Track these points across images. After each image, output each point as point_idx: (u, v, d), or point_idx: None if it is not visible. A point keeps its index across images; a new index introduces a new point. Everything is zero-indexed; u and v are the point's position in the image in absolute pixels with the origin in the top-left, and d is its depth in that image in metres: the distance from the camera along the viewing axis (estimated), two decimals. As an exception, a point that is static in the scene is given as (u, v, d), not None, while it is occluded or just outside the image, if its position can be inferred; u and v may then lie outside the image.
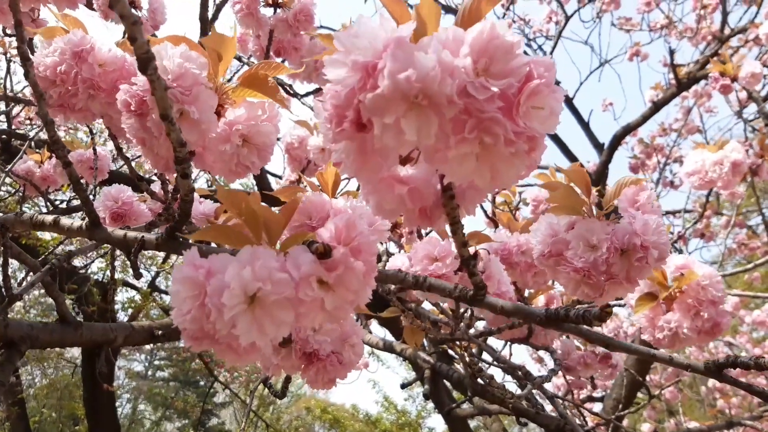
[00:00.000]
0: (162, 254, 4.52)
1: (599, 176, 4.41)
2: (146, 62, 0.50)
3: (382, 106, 0.43)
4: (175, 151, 0.59)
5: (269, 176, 2.72)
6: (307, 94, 1.68)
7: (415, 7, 0.48)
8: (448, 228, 0.54)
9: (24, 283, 0.92)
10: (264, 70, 0.68)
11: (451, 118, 0.43)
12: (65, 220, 0.78)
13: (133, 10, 1.70)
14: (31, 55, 0.72)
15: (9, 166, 1.80)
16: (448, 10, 4.57)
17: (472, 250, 1.00)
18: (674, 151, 5.25)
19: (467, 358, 1.12)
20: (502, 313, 0.59)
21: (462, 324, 1.12)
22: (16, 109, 3.00)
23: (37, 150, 2.05)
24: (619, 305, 1.56)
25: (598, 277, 0.69)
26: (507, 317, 0.62)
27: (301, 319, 0.52)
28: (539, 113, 0.45)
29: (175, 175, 0.63)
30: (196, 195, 1.37)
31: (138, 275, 0.74)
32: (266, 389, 1.22)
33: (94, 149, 1.72)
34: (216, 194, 1.35)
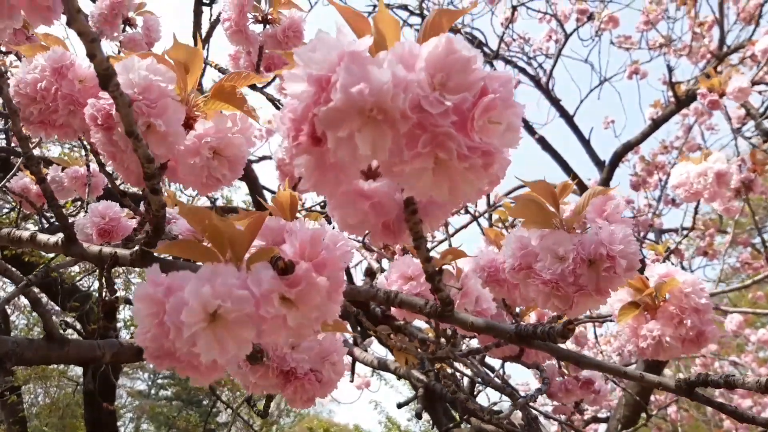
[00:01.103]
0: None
1: (600, 193, 4.39)
2: (107, 79, 0.50)
3: (335, 120, 0.42)
4: (144, 166, 0.59)
5: (266, 192, 2.73)
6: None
7: (373, 18, 0.48)
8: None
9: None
10: (232, 81, 0.68)
11: (405, 132, 0.43)
12: (42, 236, 0.78)
13: (128, 29, 1.71)
14: (9, 72, 0.73)
15: (3, 182, 1.81)
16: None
17: (460, 265, 0.99)
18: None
19: (444, 380, 1.10)
20: (473, 330, 0.59)
21: (445, 342, 1.10)
22: (16, 127, 3.03)
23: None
24: (611, 320, 1.54)
25: (567, 288, 0.68)
26: (478, 333, 0.61)
27: (264, 336, 0.51)
28: (496, 128, 0.45)
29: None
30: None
31: (112, 292, 0.73)
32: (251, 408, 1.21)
33: (88, 166, 1.72)
34: (218, 211, 1.34)
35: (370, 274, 2.47)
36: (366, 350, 2.37)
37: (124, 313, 5.46)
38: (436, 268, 0.54)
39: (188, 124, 0.70)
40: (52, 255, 3.47)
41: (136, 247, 0.72)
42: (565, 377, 1.39)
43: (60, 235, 0.78)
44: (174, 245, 0.60)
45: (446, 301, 0.57)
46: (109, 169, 0.96)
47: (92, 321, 3.81)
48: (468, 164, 0.43)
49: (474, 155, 0.43)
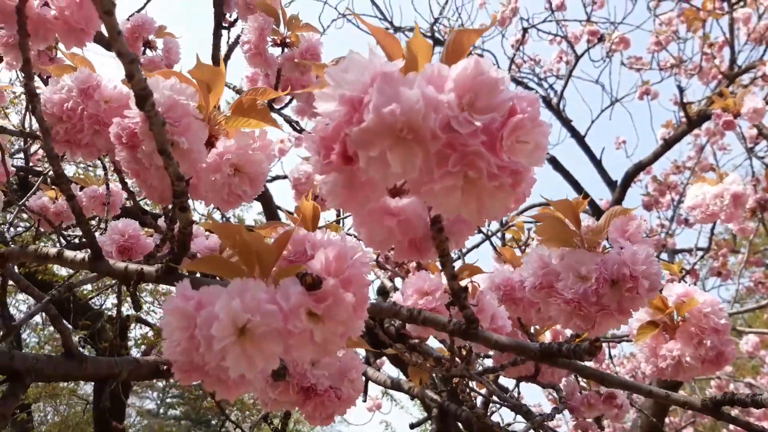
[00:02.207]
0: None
1: (612, 213, 4.38)
2: (144, 99, 0.52)
3: (367, 140, 0.44)
4: (173, 185, 0.60)
5: (280, 212, 2.75)
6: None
7: (407, 42, 0.50)
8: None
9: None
10: (251, 95, 0.70)
11: (435, 151, 0.44)
12: (68, 253, 0.79)
13: (148, 51, 1.75)
14: (38, 92, 0.75)
15: (22, 201, 1.84)
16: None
17: (467, 282, 1.00)
18: (688, 189, 5.21)
19: (462, 395, 1.10)
20: (497, 348, 0.59)
21: (461, 361, 1.10)
22: (34, 147, 3.07)
23: (53, 186, 2.09)
24: (627, 340, 1.53)
25: (589, 308, 0.68)
26: (501, 351, 0.62)
27: (291, 351, 0.52)
28: (524, 147, 0.46)
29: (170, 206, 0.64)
30: (202, 230, 1.38)
31: (138, 307, 0.74)
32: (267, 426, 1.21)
33: (107, 185, 1.75)
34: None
35: (383, 292, 2.46)
36: (379, 370, 2.36)
37: (135, 331, 5.48)
38: (462, 286, 0.55)
39: (210, 142, 0.72)
40: (65, 273, 3.50)
41: (162, 264, 0.74)
42: (588, 391, 1.38)
43: (86, 252, 0.79)
44: (201, 261, 0.61)
45: (471, 318, 0.57)
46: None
47: (103, 339, 3.82)
48: (498, 183, 0.44)
49: (503, 174, 0.44)
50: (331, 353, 0.55)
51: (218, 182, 0.69)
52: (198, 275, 0.75)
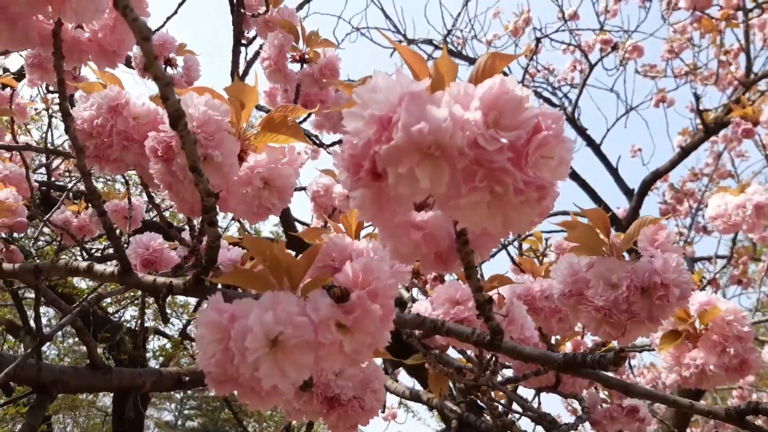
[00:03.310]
0: (193, 302, 4.57)
1: (629, 222, 4.35)
2: (177, 119, 0.53)
3: (396, 157, 0.45)
4: (203, 200, 0.62)
5: (297, 224, 2.77)
6: (332, 144, 1.74)
7: (434, 62, 0.51)
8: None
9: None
10: (282, 112, 0.72)
11: (462, 168, 0.45)
12: (98, 266, 0.81)
13: (168, 69, 1.79)
14: (71, 111, 0.77)
15: (47, 216, 1.88)
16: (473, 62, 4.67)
17: (494, 292, 1.01)
18: (706, 197, 5.17)
19: (490, 403, 1.11)
20: (521, 358, 0.60)
21: (487, 371, 1.11)
22: (55, 162, 3.14)
23: (75, 201, 2.13)
24: (649, 349, 1.53)
25: (620, 315, 0.69)
26: (526, 362, 0.62)
27: (321, 362, 0.53)
28: (549, 163, 0.47)
29: (201, 219, 0.66)
30: (224, 242, 1.41)
31: (166, 320, 0.76)
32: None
33: (129, 199, 1.78)
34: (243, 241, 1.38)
35: (400, 303, 2.47)
36: (396, 380, 2.36)
37: (153, 343, 5.53)
38: (487, 297, 0.56)
39: (240, 156, 0.74)
40: (84, 286, 3.55)
41: (190, 277, 0.75)
42: (610, 404, 1.38)
43: (116, 266, 0.81)
44: (231, 274, 0.63)
45: (496, 329, 0.58)
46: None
47: (123, 351, 3.86)
48: (524, 198, 0.45)
49: (529, 189, 0.45)
50: (360, 363, 0.56)
51: (249, 195, 0.71)
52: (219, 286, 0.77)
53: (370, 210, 0.50)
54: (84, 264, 0.82)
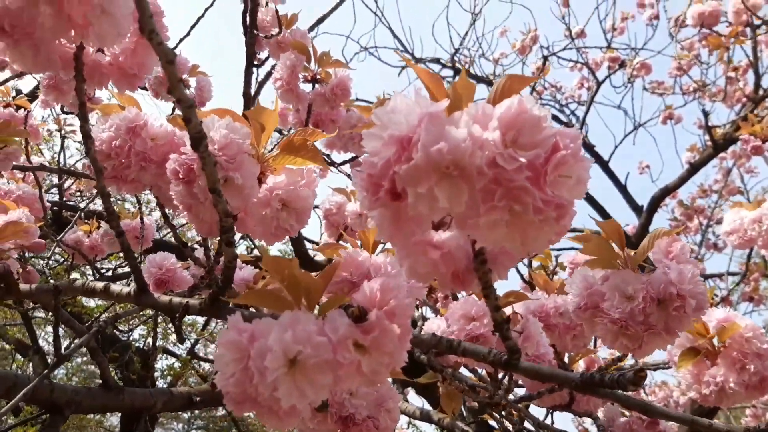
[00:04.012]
0: (202, 321, 4.57)
1: (639, 239, 4.33)
2: (199, 141, 0.54)
3: (415, 177, 0.45)
4: (221, 221, 0.63)
5: (306, 242, 2.77)
6: (343, 163, 1.75)
7: (452, 84, 0.52)
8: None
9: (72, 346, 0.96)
10: (302, 135, 0.73)
11: (481, 187, 0.46)
12: (115, 287, 0.82)
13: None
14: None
15: (60, 236, 1.89)
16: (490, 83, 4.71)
17: (508, 309, 1.00)
18: (716, 213, 5.15)
19: (502, 423, 1.10)
20: (539, 378, 0.59)
21: (501, 389, 1.10)
22: (67, 183, 3.17)
23: (86, 221, 2.14)
24: (666, 367, 1.51)
25: (636, 327, 0.69)
26: (543, 382, 0.62)
27: (340, 382, 0.53)
28: (567, 182, 0.47)
29: (217, 239, 0.66)
30: (237, 261, 1.41)
31: (181, 339, 0.76)
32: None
33: (141, 218, 1.80)
34: (256, 260, 1.39)
35: (411, 322, 2.45)
36: (406, 400, 2.34)
37: (161, 362, 5.52)
38: (505, 317, 0.56)
39: (259, 178, 0.75)
40: (93, 305, 3.56)
41: (205, 297, 0.76)
42: (629, 417, 1.36)
43: (132, 286, 0.82)
44: (247, 295, 0.63)
45: (514, 349, 0.58)
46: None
47: (131, 371, 3.85)
48: (543, 216, 0.45)
49: (548, 208, 0.45)
50: (378, 384, 0.56)
51: (267, 217, 0.72)
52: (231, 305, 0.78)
53: (389, 229, 0.51)
54: (101, 284, 0.83)
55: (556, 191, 0.47)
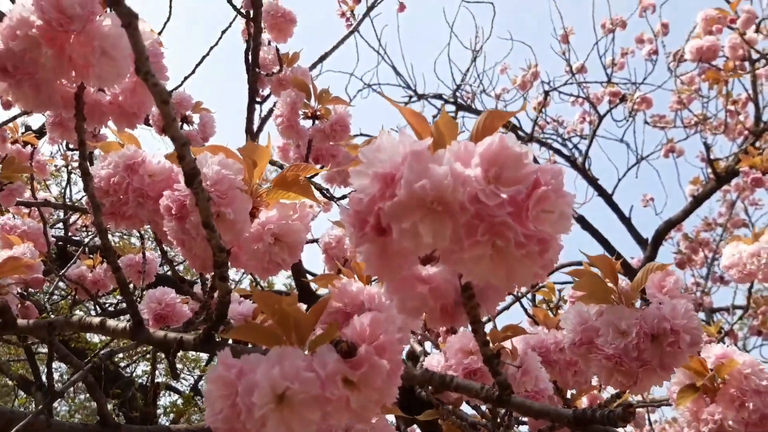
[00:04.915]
0: (205, 357, 4.55)
1: (644, 272, 4.30)
2: (192, 177, 0.56)
3: (399, 213, 0.46)
4: (215, 256, 0.64)
5: (309, 275, 2.78)
6: (342, 197, 1.77)
7: (435, 122, 0.53)
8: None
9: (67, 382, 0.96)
10: (294, 171, 0.74)
11: (464, 222, 0.47)
12: (111, 322, 0.82)
13: (185, 126, 1.84)
14: (90, 170, 0.80)
15: (63, 271, 1.90)
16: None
17: (508, 343, 1.00)
18: (721, 246, 5.12)
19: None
20: (530, 414, 0.59)
21: (501, 427, 1.09)
22: (73, 218, 3.19)
23: (90, 256, 2.16)
24: (666, 404, 1.49)
25: (631, 363, 0.68)
26: (536, 418, 0.62)
27: (328, 418, 0.53)
28: (549, 217, 0.48)
29: (212, 274, 0.67)
30: (236, 295, 1.41)
31: (176, 375, 0.77)
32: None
33: (143, 253, 1.81)
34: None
35: (412, 357, 2.44)
36: (410, 437, 2.30)
37: (164, 399, 5.47)
38: (494, 352, 0.56)
39: (252, 213, 0.76)
40: (97, 341, 3.55)
41: (200, 332, 0.76)
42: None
43: (128, 322, 0.82)
44: (241, 329, 0.63)
45: (504, 384, 0.58)
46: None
47: (134, 407, 3.82)
48: (525, 251, 0.46)
49: (530, 242, 0.46)
50: (367, 420, 0.56)
51: (260, 251, 0.72)
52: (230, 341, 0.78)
53: (376, 264, 0.51)
54: (97, 320, 0.83)
55: (539, 226, 0.47)
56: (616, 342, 0.72)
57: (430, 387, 1.26)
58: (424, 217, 0.46)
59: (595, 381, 1.34)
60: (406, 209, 0.46)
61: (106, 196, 0.90)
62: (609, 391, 1.51)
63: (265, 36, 1.67)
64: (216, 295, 0.71)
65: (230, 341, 0.83)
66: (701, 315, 4.76)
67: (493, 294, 0.56)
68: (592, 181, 4.98)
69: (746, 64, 3.32)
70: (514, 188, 0.46)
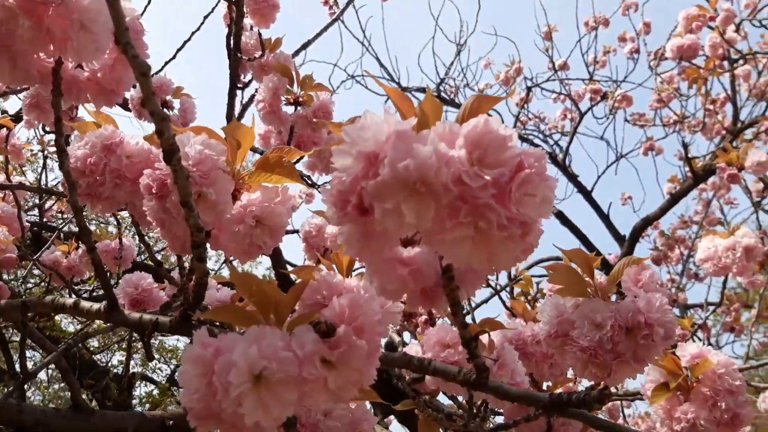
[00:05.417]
0: (182, 347, 4.51)
1: (621, 268, 4.35)
2: (171, 154, 0.55)
3: (382, 192, 0.46)
4: (193, 235, 0.63)
5: (289, 266, 2.76)
6: (324, 184, 1.75)
7: (419, 103, 0.53)
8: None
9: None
10: (277, 153, 0.73)
11: (447, 203, 0.46)
12: (85, 304, 0.81)
13: (165, 110, 1.81)
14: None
15: (37, 255, 1.87)
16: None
17: (485, 337, 1.00)
18: (697, 244, 5.20)
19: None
20: (506, 398, 0.59)
21: (477, 417, 1.09)
22: (48, 203, 3.14)
23: (65, 241, 2.12)
24: (640, 398, 1.51)
25: (605, 356, 0.69)
26: (512, 402, 0.62)
27: (306, 399, 0.53)
28: (532, 200, 0.48)
29: (190, 257, 0.66)
30: (214, 282, 1.40)
31: (150, 357, 0.75)
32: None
33: (120, 239, 1.78)
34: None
35: (391, 348, 2.45)
36: (386, 428, 2.31)
37: (140, 389, 5.41)
38: (473, 335, 0.56)
39: (234, 195, 0.75)
40: (73, 330, 3.50)
41: (176, 314, 0.75)
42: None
43: (102, 303, 0.81)
44: (218, 310, 0.63)
45: (481, 368, 0.58)
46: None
47: (109, 397, 3.78)
48: (507, 233, 0.46)
49: (512, 225, 0.46)
50: (345, 401, 0.56)
51: (240, 233, 0.72)
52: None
53: (357, 245, 0.51)
54: (70, 301, 0.82)
55: (521, 209, 0.47)
56: (591, 334, 0.72)
57: (407, 378, 1.27)
58: (408, 197, 0.46)
59: (570, 374, 1.36)
60: (390, 189, 0.46)
61: (83, 176, 0.88)
62: (584, 384, 1.52)
63: (248, 21, 1.65)
64: (194, 277, 0.70)
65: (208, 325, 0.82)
66: (676, 311, 4.84)
67: (472, 277, 0.56)
68: (572, 178, 5.02)
69: (725, 63, 3.37)
70: (498, 170, 0.46)
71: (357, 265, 0.90)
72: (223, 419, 0.52)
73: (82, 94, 0.76)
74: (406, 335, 2.19)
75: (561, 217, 4.93)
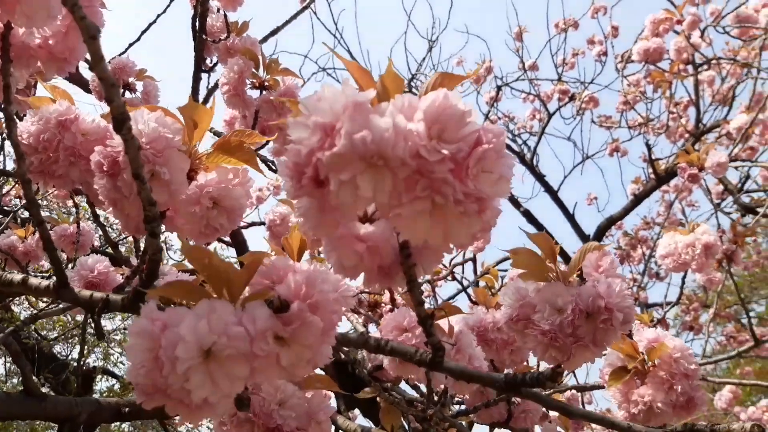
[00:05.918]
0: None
1: (584, 266, 4.43)
2: (122, 123, 0.53)
3: (338, 164, 0.45)
4: (145, 209, 0.61)
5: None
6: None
7: (380, 76, 0.52)
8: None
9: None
10: (238, 136, 0.72)
11: (404, 177, 0.46)
12: (33, 280, 0.78)
13: (128, 93, 1.77)
14: (17, 119, 0.76)
15: (-10, 239, 1.81)
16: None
17: (444, 322, 1.00)
18: (658, 244, 5.32)
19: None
20: (463, 378, 0.59)
21: (438, 404, 1.10)
22: (6, 188, 3.04)
23: (22, 226, 2.06)
24: (599, 387, 1.54)
25: (565, 339, 0.69)
26: (468, 382, 0.62)
27: (256, 375, 0.52)
28: (489, 177, 0.48)
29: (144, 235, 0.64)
30: (174, 270, 1.37)
31: (101, 335, 0.73)
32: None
33: (78, 224, 1.73)
34: (194, 270, 1.35)
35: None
36: (349, 418, 2.30)
37: (101, 384, 5.30)
38: (429, 313, 0.56)
39: (190, 176, 0.73)
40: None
41: (128, 291, 0.73)
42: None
43: (52, 279, 0.78)
44: (170, 286, 0.61)
45: (437, 346, 0.58)
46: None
47: (69, 391, 3.70)
48: (463, 209, 0.45)
49: (469, 200, 0.45)
50: (298, 378, 0.55)
51: (196, 215, 0.70)
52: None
53: (313, 219, 0.50)
54: (18, 277, 0.79)
55: (478, 185, 0.47)
56: (552, 318, 0.73)
57: (369, 365, 1.26)
58: (364, 170, 0.45)
59: (532, 362, 1.37)
60: (346, 161, 0.45)
61: (35, 153, 0.85)
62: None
63: (215, 4, 1.62)
64: (147, 253, 0.68)
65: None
66: (637, 309, 4.94)
67: (430, 254, 0.55)
68: (539, 177, 5.09)
69: (689, 67, 3.45)
70: (456, 145, 0.46)
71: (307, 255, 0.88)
72: (170, 395, 0.50)
73: (32, 61, 0.73)
74: (372, 327, 2.19)
75: (527, 215, 5.00)
